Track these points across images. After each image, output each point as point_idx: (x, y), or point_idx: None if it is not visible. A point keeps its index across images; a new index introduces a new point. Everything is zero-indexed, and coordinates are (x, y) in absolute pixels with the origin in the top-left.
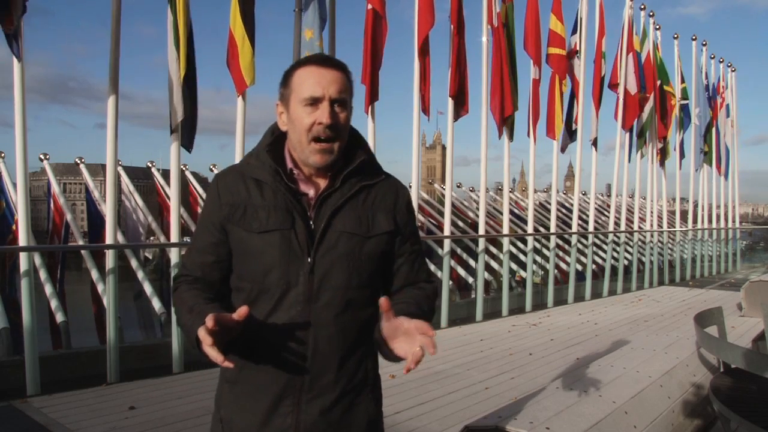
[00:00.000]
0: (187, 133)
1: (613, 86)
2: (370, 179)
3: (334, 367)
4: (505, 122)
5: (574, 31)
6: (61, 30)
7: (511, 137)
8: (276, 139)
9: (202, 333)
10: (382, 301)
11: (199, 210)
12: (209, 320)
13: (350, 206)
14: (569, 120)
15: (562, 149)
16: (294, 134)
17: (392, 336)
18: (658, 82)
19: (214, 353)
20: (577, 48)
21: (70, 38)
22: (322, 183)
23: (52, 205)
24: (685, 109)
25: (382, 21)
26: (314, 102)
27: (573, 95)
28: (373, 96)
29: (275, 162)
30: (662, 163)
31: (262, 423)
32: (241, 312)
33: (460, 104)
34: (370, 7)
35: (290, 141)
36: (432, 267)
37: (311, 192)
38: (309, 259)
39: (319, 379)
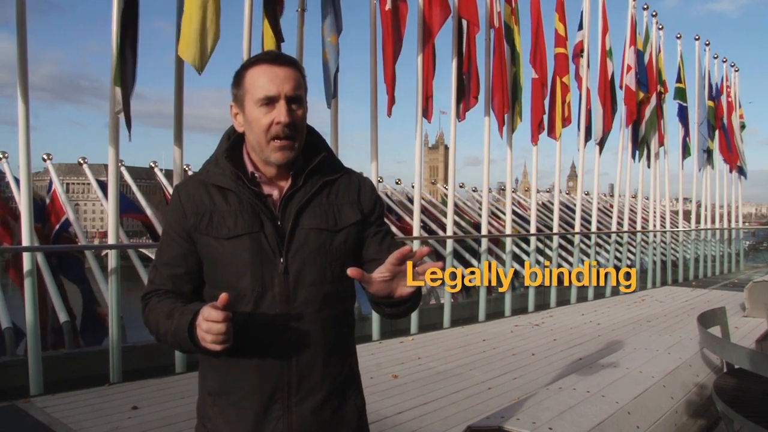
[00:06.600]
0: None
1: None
2: (331, 175)
3: (320, 364)
4: (506, 120)
5: (579, 29)
6: (75, 28)
7: (510, 135)
8: (233, 143)
9: (213, 313)
10: (350, 271)
11: None
12: (222, 296)
13: (315, 203)
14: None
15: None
16: (252, 135)
17: (387, 289)
18: (660, 87)
19: (224, 328)
20: (582, 46)
21: (84, 36)
22: (285, 183)
23: (48, 203)
24: (684, 110)
25: (399, 18)
26: (270, 101)
27: (580, 95)
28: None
29: (235, 167)
30: (656, 162)
31: (254, 431)
32: (223, 298)
33: (467, 99)
34: (387, 8)
35: (248, 142)
36: None
37: (275, 193)
38: (281, 260)
39: (306, 379)
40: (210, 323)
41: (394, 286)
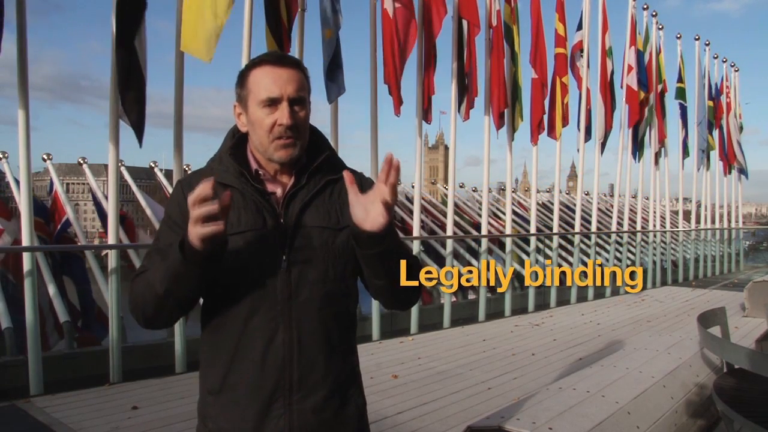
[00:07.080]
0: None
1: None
2: (334, 174)
3: (321, 363)
4: (502, 118)
5: (578, 28)
6: (75, 28)
7: (512, 136)
8: (237, 141)
9: (200, 190)
10: (346, 175)
11: None
12: (225, 195)
13: (318, 201)
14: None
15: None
16: (255, 135)
17: (363, 213)
18: (659, 87)
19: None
20: (582, 45)
21: (84, 36)
22: (288, 181)
23: (50, 203)
24: (685, 110)
25: (398, 18)
26: (272, 103)
27: (580, 95)
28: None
29: (239, 164)
30: (656, 162)
31: (255, 429)
32: (225, 197)
33: (469, 99)
34: (384, 7)
35: (252, 142)
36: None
37: (278, 191)
38: (284, 257)
39: (307, 378)
40: (197, 194)
41: (369, 215)
